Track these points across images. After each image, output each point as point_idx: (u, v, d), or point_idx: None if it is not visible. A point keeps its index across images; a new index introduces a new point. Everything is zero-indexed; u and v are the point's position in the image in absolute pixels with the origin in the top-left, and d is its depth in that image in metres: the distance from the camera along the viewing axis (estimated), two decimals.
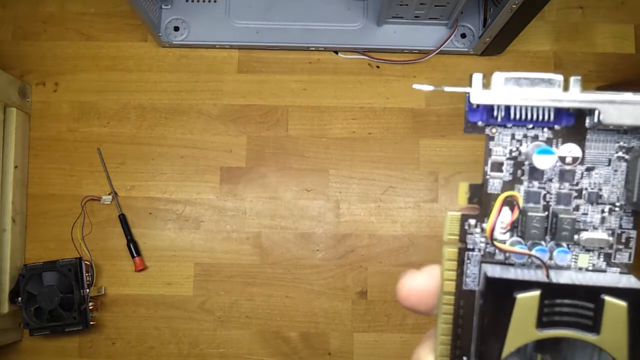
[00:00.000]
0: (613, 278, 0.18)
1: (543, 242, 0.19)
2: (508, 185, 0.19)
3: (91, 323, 0.91)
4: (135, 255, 0.95)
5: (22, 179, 0.97)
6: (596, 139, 0.18)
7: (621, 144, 0.18)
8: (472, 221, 0.19)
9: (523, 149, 0.19)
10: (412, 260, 0.96)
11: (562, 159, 0.18)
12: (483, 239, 0.19)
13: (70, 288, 0.90)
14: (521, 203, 0.19)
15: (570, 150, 0.18)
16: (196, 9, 0.98)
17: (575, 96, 0.18)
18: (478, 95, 0.18)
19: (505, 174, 0.19)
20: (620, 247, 0.18)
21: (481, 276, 0.19)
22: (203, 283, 0.96)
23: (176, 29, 0.98)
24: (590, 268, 0.19)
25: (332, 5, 0.98)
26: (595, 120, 0.18)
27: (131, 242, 0.95)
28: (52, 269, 0.90)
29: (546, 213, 0.19)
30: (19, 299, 0.89)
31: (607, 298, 0.17)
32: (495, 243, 0.19)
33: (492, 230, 0.18)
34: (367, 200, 0.97)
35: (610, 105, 0.18)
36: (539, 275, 0.18)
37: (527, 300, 0.17)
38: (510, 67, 1.00)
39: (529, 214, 0.18)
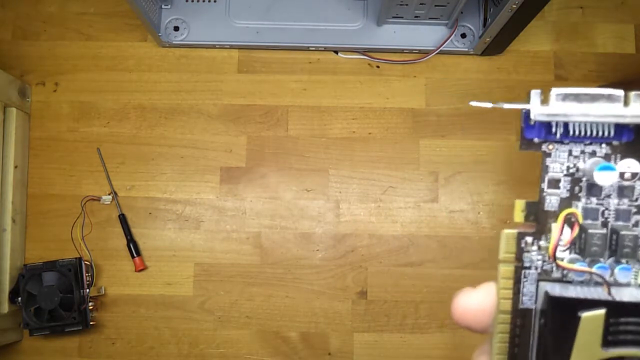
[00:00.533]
0: None
1: (602, 259, 0.18)
2: (565, 202, 0.19)
3: (91, 323, 0.91)
4: (135, 255, 0.95)
5: (22, 179, 0.97)
6: None
7: None
8: (529, 239, 0.19)
9: (581, 165, 0.19)
10: (412, 260, 0.96)
11: (621, 175, 0.18)
12: (540, 257, 0.19)
13: (70, 288, 0.90)
14: (581, 220, 0.18)
15: (630, 165, 0.18)
16: (196, 9, 0.98)
17: (638, 111, 0.17)
18: (538, 111, 0.18)
19: (563, 191, 0.19)
20: None
21: (541, 295, 0.19)
22: (203, 283, 0.96)
23: (176, 29, 0.98)
24: None
25: (332, 5, 0.98)
26: None
27: (131, 242, 0.95)
28: (52, 269, 0.90)
29: (605, 230, 0.18)
30: (19, 299, 0.89)
31: None
32: (559, 262, 0.18)
33: (555, 249, 0.18)
34: (367, 200, 0.97)
35: None
36: (600, 293, 0.18)
37: (593, 319, 0.17)
38: (510, 67, 1.01)
39: (590, 231, 0.18)
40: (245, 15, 0.98)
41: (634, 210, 0.18)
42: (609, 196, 0.18)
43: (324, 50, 1.00)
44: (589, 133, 0.18)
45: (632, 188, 0.18)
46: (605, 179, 0.18)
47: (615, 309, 0.17)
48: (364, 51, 1.00)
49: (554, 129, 0.19)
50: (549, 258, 0.19)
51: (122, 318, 0.96)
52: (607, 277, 0.18)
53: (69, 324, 0.89)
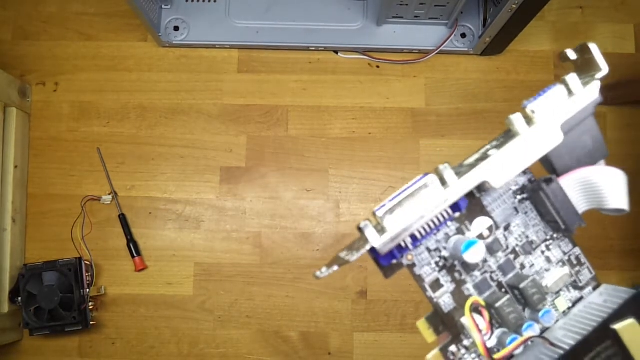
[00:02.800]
0: (596, 298, 0.18)
1: (527, 317, 0.18)
2: (457, 293, 0.19)
3: (91, 323, 0.92)
4: (135, 255, 0.95)
5: (22, 179, 0.97)
6: (492, 199, 0.18)
7: (513, 189, 0.18)
8: (453, 348, 0.18)
9: (444, 253, 0.18)
10: None
11: (480, 237, 0.18)
12: (473, 355, 0.18)
13: (70, 288, 0.90)
14: (483, 302, 0.18)
15: (481, 223, 0.18)
16: (196, 9, 0.98)
17: (456, 186, 0.17)
18: (381, 242, 0.17)
19: (447, 285, 0.19)
20: (578, 268, 0.18)
21: None
22: (203, 283, 0.96)
23: (176, 28, 0.98)
24: (571, 305, 0.18)
25: (332, 5, 0.98)
26: (487, 188, 0.18)
27: (131, 242, 0.95)
28: (52, 269, 0.90)
29: (508, 294, 0.18)
30: (19, 298, 0.89)
31: (617, 327, 0.16)
32: (495, 357, 0.18)
33: (486, 348, 0.18)
34: (367, 200, 0.97)
35: (491, 173, 0.17)
36: (547, 353, 0.17)
37: None
38: (510, 67, 1.01)
39: (496, 305, 0.17)
40: (245, 15, 0.98)
41: (512, 256, 0.18)
42: (485, 261, 0.18)
43: (324, 50, 1.00)
44: (433, 225, 0.18)
45: (497, 240, 0.18)
46: (476, 255, 0.17)
47: (571, 358, 0.16)
48: (364, 51, 1.00)
49: (402, 244, 0.18)
50: (487, 358, 0.18)
51: (122, 318, 0.96)
52: (539, 331, 0.18)
53: (69, 323, 0.89)
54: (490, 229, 0.18)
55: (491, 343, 0.18)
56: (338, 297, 0.96)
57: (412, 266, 0.19)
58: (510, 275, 0.18)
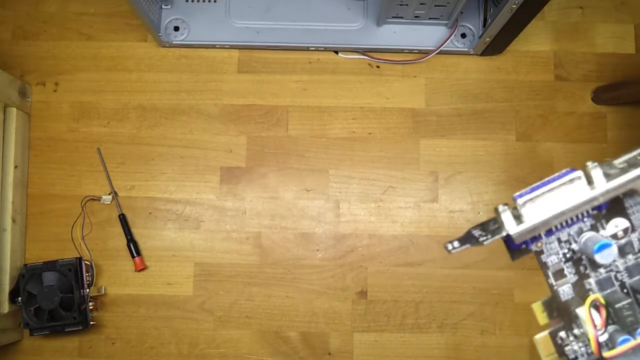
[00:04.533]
0: None
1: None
2: (578, 285, 0.19)
3: (91, 323, 0.91)
4: (135, 255, 0.95)
5: (22, 179, 0.97)
6: (635, 202, 0.18)
7: None
8: (562, 334, 0.19)
9: (575, 247, 0.19)
10: (412, 260, 0.96)
11: (614, 236, 0.18)
12: (581, 344, 0.18)
13: (70, 288, 0.90)
14: (603, 300, 0.18)
15: (617, 224, 0.18)
16: (196, 9, 0.98)
17: (605, 188, 0.17)
18: (517, 231, 0.17)
19: (570, 277, 0.19)
20: None
21: None
22: (203, 283, 0.96)
23: (176, 29, 0.98)
24: None
25: (332, 5, 0.98)
26: (632, 192, 0.17)
27: (131, 242, 0.95)
28: (52, 269, 0.90)
29: (630, 296, 0.18)
30: (19, 299, 0.89)
31: None
32: (605, 355, 0.18)
33: (598, 344, 0.18)
34: (367, 200, 0.97)
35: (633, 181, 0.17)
36: None
37: None
38: (510, 67, 1.01)
39: (616, 306, 0.17)
40: (245, 15, 0.98)
41: None
42: (614, 260, 0.18)
43: (324, 50, 1.00)
44: (570, 220, 0.18)
45: (630, 242, 0.18)
46: (608, 256, 0.17)
47: None
48: (364, 51, 1.00)
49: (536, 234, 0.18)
50: (597, 356, 0.18)
51: (122, 318, 0.96)
52: None
53: (69, 324, 0.89)
54: (625, 230, 0.18)
55: (602, 338, 0.18)
56: (338, 297, 0.96)
57: (539, 253, 0.19)
58: (636, 279, 0.18)
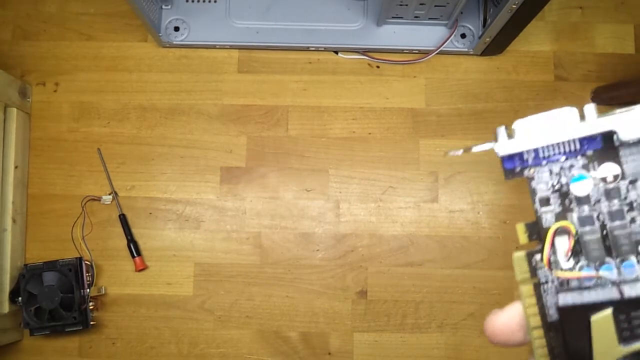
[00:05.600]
0: None
1: (611, 260, 0.19)
2: (560, 216, 0.20)
3: (91, 323, 0.92)
4: (135, 255, 0.95)
5: (22, 179, 0.97)
6: (630, 152, 0.19)
7: None
8: (538, 256, 0.20)
9: (564, 180, 0.20)
10: (412, 260, 0.96)
11: (603, 180, 0.19)
12: (561, 273, 0.20)
13: (71, 288, 0.90)
14: (573, 229, 0.19)
15: (609, 169, 0.19)
16: (196, 9, 0.98)
17: (590, 124, 0.19)
18: (503, 147, 0.19)
19: (554, 207, 0.20)
20: None
21: (555, 307, 0.20)
22: (203, 283, 0.96)
23: (176, 29, 0.98)
24: None
25: (332, 5, 0.98)
26: (617, 139, 0.19)
27: (131, 242, 0.96)
28: (52, 269, 0.90)
29: (600, 233, 0.19)
30: (19, 299, 0.90)
31: None
32: (556, 273, 0.19)
33: (549, 260, 0.19)
34: (367, 200, 0.97)
35: (625, 123, 0.18)
36: (611, 293, 0.18)
37: (602, 320, 0.18)
38: (510, 67, 1.01)
39: (585, 237, 0.19)
40: (245, 15, 0.98)
41: (627, 208, 0.19)
42: (599, 201, 0.19)
43: (324, 50, 1.00)
44: (558, 151, 0.20)
45: (618, 189, 0.19)
46: (582, 188, 0.19)
47: (623, 306, 0.18)
48: (364, 51, 1.00)
49: (526, 157, 0.20)
50: (548, 270, 0.20)
51: (122, 318, 0.96)
52: (615, 276, 0.19)
53: (69, 323, 0.89)
54: (616, 177, 0.19)
55: (566, 265, 0.19)
56: (338, 297, 0.96)
57: (530, 179, 0.20)
58: (616, 223, 0.19)
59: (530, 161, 0.20)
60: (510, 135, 0.20)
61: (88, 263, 0.94)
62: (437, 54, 0.98)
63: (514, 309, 0.21)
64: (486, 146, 0.21)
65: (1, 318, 0.90)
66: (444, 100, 1.00)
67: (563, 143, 0.20)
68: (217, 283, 0.96)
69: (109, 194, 0.97)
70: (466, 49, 0.97)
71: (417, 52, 0.98)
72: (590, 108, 0.19)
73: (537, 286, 0.20)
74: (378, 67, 1.00)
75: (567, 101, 1.00)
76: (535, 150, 0.20)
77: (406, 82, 1.00)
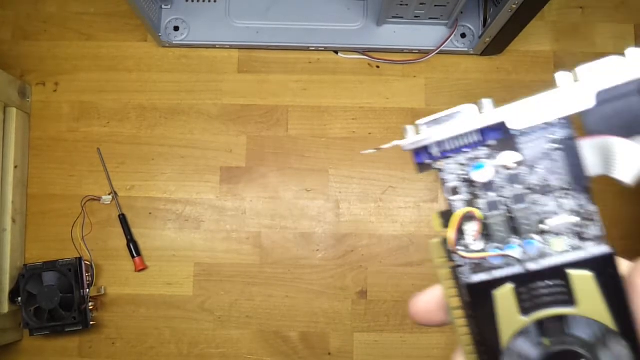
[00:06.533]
0: (585, 252, 0.20)
1: (515, 240, 0.20)
2: (470, 203, 0.22)
3: (91, 323, 0.91)
4: (135, 255, 0.95)
5: (22, 179, 0.97)
6: (528, 139, 0.21)
7: (550, 137, 0.20)
8: (451, 247, 0.21)
9: (469, 170, 0.22)
10: (412, 260, 0.96)
11: (505, 167, 0.21)
12: (467, 254, 0.21)
13: (70, 288, 0.90)
14: (479, 214, 0.21)
15: (509, 157, 0.21)
16: (196, 9, 0.98)
17: (484, 117, 0.21)
18: (407, 143, 0.22)
19: (464, 195, 0.22)
20: (588, 223, 0.20)
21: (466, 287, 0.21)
22: (203, 283, 0.96)
23: (176, 29, 0.98)
24: (568, 249, 0.20)
25: (332, 5, 0.98)
26: (509, 129, 0.21)
27: (131, 242, 0.95)
28: (52, 269, 0.90)
29: (506, 216, 0.21)
30: (19, 299, 0.89)
31: (571, 272, 0.19)
32: (461, 254, 0.21)
33: (454, 243, 0.21)
34: (367, 200, 0.97)
35: (513, 114, 0.20)
36: (516, 270, 0.20)
37: (503, 293, 0.20)
38: (510, 67, 1.01)
39: (492, 221, 0.21)
40: (245, 15, 0.98)
41: (528, 192, 0.21)
42: (503, 187, 0.21)
43: (324, 50, 1.00)
44: (461, 144, 0.21)
45: (519, 174, 0.21)
46: (481, 175, 0.21)
47: (522, 280, 0.20)
48: (364, 51, 1.00)
49: (432, 151, 0.22)
50: (453, 249, 0.21)
51: (122, 318, 0.96)
52: (519, 254, 0.20)
53: (69, 324, 0.89)
54: (517, 163, 0.20)
55: (475, 247, 0.21)
56: (338, 297, 0.96)
57: (440, 171, 0.22)
58: (519, 206, 0.20)
59: (437, 155, 0.22)
60: (417, 131, 0.22)
61: (88, 263, 0.94)
62: (437, 53, 0.98)
63: (433, 291, 0.23)
64: (393, 143, 0.22)
65: (1, 318, 0.90)
66: (444, 100, 0.99)
67: (465, 135, 0.21)
68: (217, 283, 0.96)
69: (109, 194, 0.97)
70: (466, 49, 0.97)
71: (417, 52, 0.98)
72: (487, 102, 0.21)
73: (454, 270, 0.21)
74: (378, 67, 1.00)
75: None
76: (441, 144, 0.22)
77: (406, 82, 1.00)
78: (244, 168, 0.98)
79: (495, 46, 0.95)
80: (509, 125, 0.21)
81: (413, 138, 0.22)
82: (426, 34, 0.97)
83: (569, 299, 0.19)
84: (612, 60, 0.20)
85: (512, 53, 1.01)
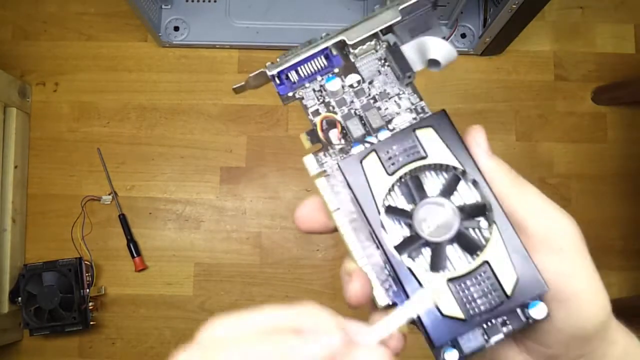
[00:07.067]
0: (423, 115, 0.25)
1: (371, 133, 0.25)
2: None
3: (91, 323, 0.91)
4: (135, 255, 0.95)
5: (22, 179, 0.97)
6: (363, 63, 0.26)
7: (378, 56, 0.26)
8: (321, 154, 0.25)
9: (323, 91, 0.27)
10: None
11: (351, 86, 0.26)
12: (334, 161, 0.25)
13: (70, 288, 0.90)
14: (337, 117, 0.26)
15: (353, 77, 0.26)
16: (196, 9, 0.98)
17: (323, 42, 0.26)
18: (272, 68, 0.26)
19: (323, 112, 0.27)
20: (422, 114, 0.25)
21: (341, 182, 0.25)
22: (203, 283, 0.96)
23: (176, 29, 0.98)
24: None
25: (332, 5, 0.98)
26: (346, 53, 0.26)
27: (131, 242, 0.95)
28: (52, 269, 0.90)
29: (359, 121, 0.26)
30: (19, 299, 0.89)
31: (417, 131, 0.24)
32: (333, 147, 0.25)
33: (325, 138, 0.26)
34: None
35: (346, 32, 0.26)
36: (374, 141, 0.25)
37: (370, 160, 0.24)
38: (510, 67, 1.01)
39: (349, 126, 0.25)
40: (245, 15, 0.98)
41: (372, 101, 0.26)
42: (353, 101, 0.26)
43: None
44: (313, 70, 0.26)
45: (362, 89, 0.26)
46: (334, 85, 0.26)
47: (380, 147, 0.24)
48: None
49: (292, 79, 0.27)
50: (320, 133, 0.26)
51: (122, 318, 0.96)
52: (375, 139, 0.25)
53: (69, 324, 0.89)
54: (359, 82, 0.26)
55: (340, 145, 0.26)
56: (338, 297, 0.96)
57: (301, 99, 0.27)
58: (369, 112, 0.26)
59: (296, 83, 0.27)
60: (275, 64, 0.26)
61: (88, 263, 0.94)
62: None
63: (312, 199, 0.26)
64: (258, 71, 0.26)
65: (1, 318, 0.90)
66: (444, 100, 0.99)
67: (314, 62, 0.26)
68: (217, 283, 0.96)
69: (109, 194, 0.97)
70: (466, 49, 0.97)
71: None
72: (324, 35, 0.26)
73: (327, 177, 0.25)
74: None
75: (567, 101, 1.00)
76: (297, 73, 0.26)
77: None
78: (244, 168, 0.98)
79: (495, 46, 0.95)
80: (347, 40, 0.25)
81: (273, 66, 0.26)
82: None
83: (422, 153, 0.23)
84: None
85: (512, 53, 1.01)
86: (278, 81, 0.27)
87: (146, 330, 0.95)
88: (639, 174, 0.99)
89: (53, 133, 0.99)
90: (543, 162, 0.99)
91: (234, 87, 0.28)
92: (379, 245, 0.23)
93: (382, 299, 0.25)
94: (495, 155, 0.24)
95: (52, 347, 0.96)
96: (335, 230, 0.25)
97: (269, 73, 0.26)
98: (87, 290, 0.91)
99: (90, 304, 0.91)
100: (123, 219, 0.96)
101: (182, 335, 0.95)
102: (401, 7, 0.25)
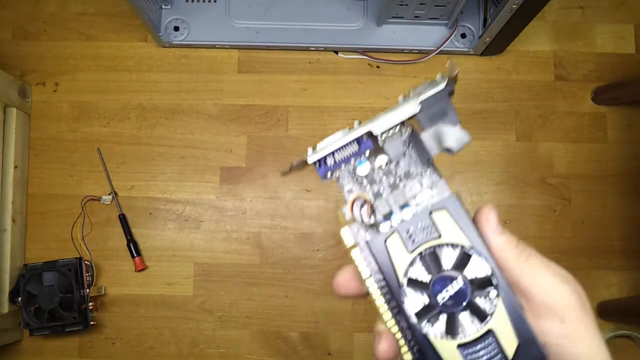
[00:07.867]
0: (438, 198, 0.29)
1: (396, 210, 0.28)
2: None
3: (91, 323, 0.91)
4: (135, 255, 0.95)
5: (22, 179, 0.97)
6: (390, 146, 0.29)
7: (402, 139, 0.29)
8: (354, 227, 0.28)
9: (358, 171, 0.30)
10: None
11: (380, 167, 0.29)
12: (365, 234, 0.28)
13: (70, 288, 0.90)
14: (367, 197, 0.29)
15: (381, 159, 0.29)
16: (196, 9, 0.98)
17: (353, 133, 0.28)
18: (310, 157, 0.29)
19: (355, 191, 0.29)
20: (441, 193, 0.29)
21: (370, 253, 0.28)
22: (203, 283, 0.96)
23: (176, 29, 0.98)
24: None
25: (332, 5, 0.98)
26: (380, 139, 0.29)
27: (131, 242, 0.95)
28: (52, 269, 0.90)
29: (386, 199, 0.29)
30: (19, 299, 0.89)
31: (433, 214, 0.27)
32: (361, 215, 0.28)
33: (352, 215, 0.28)
34: None
35: (374, 124, 0.28)
36: (398, 222, 0.28)
37: (392, 239, 0.27)
38: (510, 67, 1.01)
39: (377, 203, 0.28)
40: (245, 15, 0.98)
41: (398, 180, 0.29)
42: (382, 180, 0.29)
43: (324, 50, 1.00)
44: (347, 155, 0.29)
45: (390, 169, 0.29)
46: (363, 170, 0.29)
47: (406, 225, 0.27)
48: (364, 51, 1.00)
49: (329, 162, 0.29)
50: (349, 211, 0.29)
51: (122, 318, 0.96)
52: (399, 219, 0.28)
53: (69, 324, 0.89)
54: (387, 163, 0.29)
55: (370, 221, 0.28)
56: (337, 297, 0.95)
57: (338, 179, 0.30)
58: (395, 191, 0.28)
59: (332, 166, 0.29)
60: (314, 150, 0.29)
61: (88, 263, 0.94)
62: (437, 54, 0.97)
63: (347, 268, 0.29)
64: (301, 159, 0.29)
65: (1, 318, 0.90)
66: None
67: (347, 148, 0.29)
68: (217, 283, 0.96)
69: (109, 194, 0.97)
70: (466, 49, 0.97)
71: (417, 52, 0.98)
72: (356, 123, 0.29)
73: (360, 248, 0.28)
74: (378, 67, 1.00)
75: (567, 101, 1.00)
76: (333, 157, 0.29)
77: (406, 82, 1.00)
78: (244, 168, 0.98)
79: (495, 46, 0.95)
80: (374, 132, 0.28)
81: (313, 154, 0.29)
82: (426, 34, 0.97)
83: (436, 234, 0.27)
84: (427, 85, 0.28)
85: (512, 53, 1.01)
86: (318, 165, 0.30)
87: (146, 330, 0.95)
88: (639, 174, 0.99)
89: (53, 133, 1.00)
90: (543, 162, 0.99)
91: (282, 171, 0.32)
92: (403, 313, 0.27)
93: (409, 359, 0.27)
94: (505, 230, 0.27)
95: (52, 347, 0.96)
96: (368, 294, 0.27)
97: (310, 161, 0.29)
98: (87, 290, 0.91)
99: (90, 304, 0.91)
100: (123, 219, 0.96)
101: (182, 336, 0.95)
102: (421, 99, 0.28)
